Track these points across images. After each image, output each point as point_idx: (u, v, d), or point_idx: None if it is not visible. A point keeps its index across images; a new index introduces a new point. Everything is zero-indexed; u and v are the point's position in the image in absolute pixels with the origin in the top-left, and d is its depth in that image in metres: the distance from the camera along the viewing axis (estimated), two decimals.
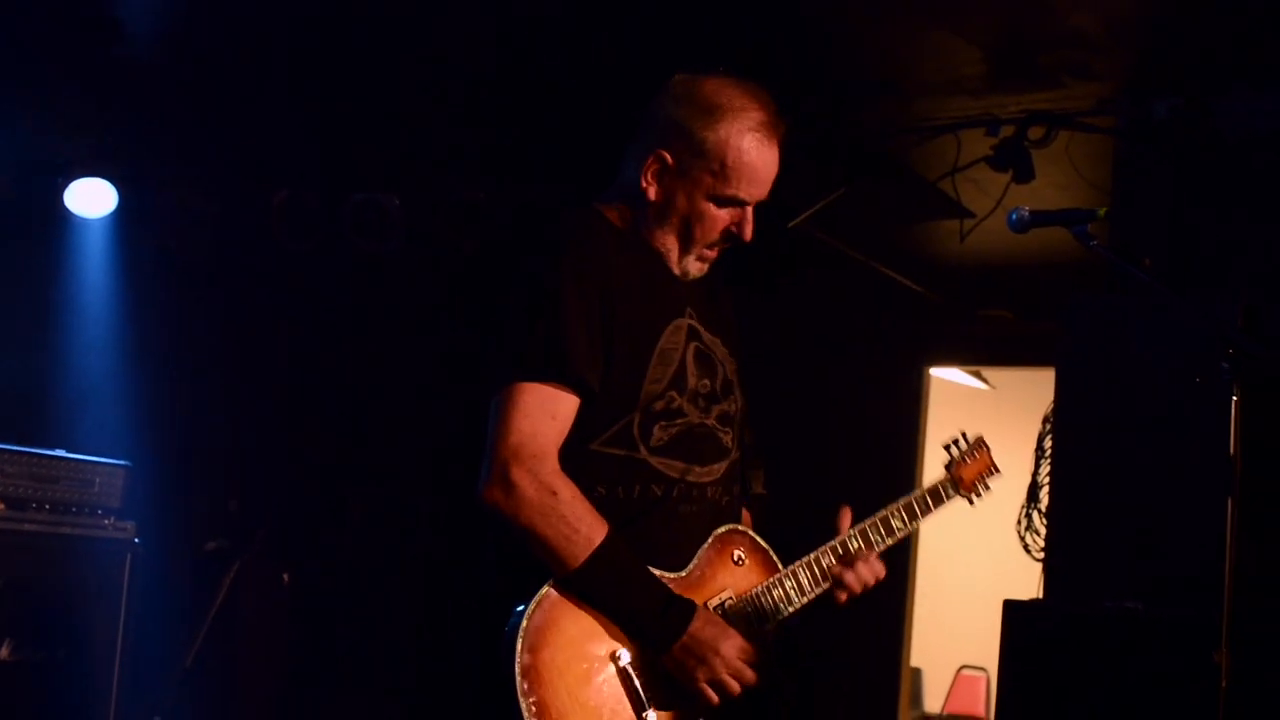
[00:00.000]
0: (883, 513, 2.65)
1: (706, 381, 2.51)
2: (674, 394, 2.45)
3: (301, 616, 6.71)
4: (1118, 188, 5.18)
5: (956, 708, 9.81)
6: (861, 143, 5.87)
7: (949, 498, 2.82)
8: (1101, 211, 2.99)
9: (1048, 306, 4.85)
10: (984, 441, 2.97)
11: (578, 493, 2.32)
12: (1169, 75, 4.96)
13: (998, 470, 2.98)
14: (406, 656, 6.29)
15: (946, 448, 2.88)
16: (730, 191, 2.46)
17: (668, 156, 2.46)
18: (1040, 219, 3.03)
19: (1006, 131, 5.39)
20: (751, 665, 2.35)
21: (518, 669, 2.20)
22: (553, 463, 2.32)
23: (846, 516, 2.60)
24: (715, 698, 2.33)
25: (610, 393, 2.39)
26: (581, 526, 2.29)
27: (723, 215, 2.49)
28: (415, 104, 5.81)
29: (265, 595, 6.50)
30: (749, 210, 2.51)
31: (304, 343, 6.97)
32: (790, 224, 6.26)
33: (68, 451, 5.38)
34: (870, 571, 2.54)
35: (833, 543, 2.56)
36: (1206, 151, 4.81)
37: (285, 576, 6.55)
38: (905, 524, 2.66)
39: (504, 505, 2.29)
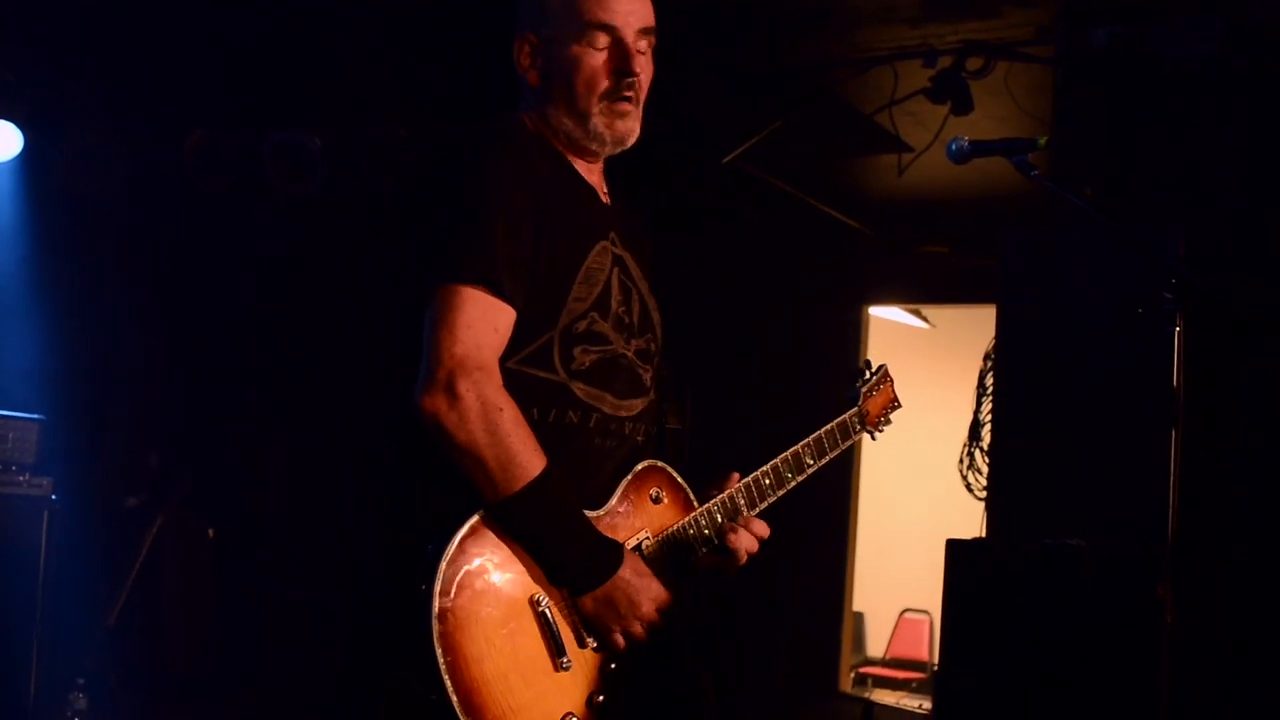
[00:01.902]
0: (794, 449, 2.61)
1: (626, 311, 2.45)
2: (595, 315, 2.39)
3: (227, 572, 6.60)
4: (1058, 118, 5.12)
5: (900, 651, 9.86)
6: (796, 76, 5.78)
7: (856, 433, 2.79)
8: (1042, 141, 2.95)
9: (987, 242, 4.79)
10: (889, 373, 2.93)
11: (521, 416, 2.24)
12: (1107, 3, 4.89)
13: (900, 404, 2.94)
14: (333, 611, 6.19)
15: (854, 380, 2.84)
16: (586, 17, 2.42)
17: (530, 36, 2.48)
18: (980, 149, 2.97)
19: (944, 62, 5.33)
20: (665, 613, 2.32)
21: (434, 613, 2.13)
22: (498, 379, 2.24)
23: (733, 479, 2.56)
24: (624, 645, 2.30)
25: (531, 306, 2.31)
26: (523, 451, 2.21)
27: (599, 57, 2.44)
28: (333, 39, 5.63)
29: (189, 551, 6.40)
30: (627, 41, 2.44)
31: (223, 289, 6.80)
32: (725, 160, 6.18)
33: None
34: (755, 533, 2.49)
35: (746, 480, 2.53)
36: (1146, 80, 4.75)
37: (210, 531, 6.45)
38: (815, 460, 2.65)
39: (445, 417, 2.18)
